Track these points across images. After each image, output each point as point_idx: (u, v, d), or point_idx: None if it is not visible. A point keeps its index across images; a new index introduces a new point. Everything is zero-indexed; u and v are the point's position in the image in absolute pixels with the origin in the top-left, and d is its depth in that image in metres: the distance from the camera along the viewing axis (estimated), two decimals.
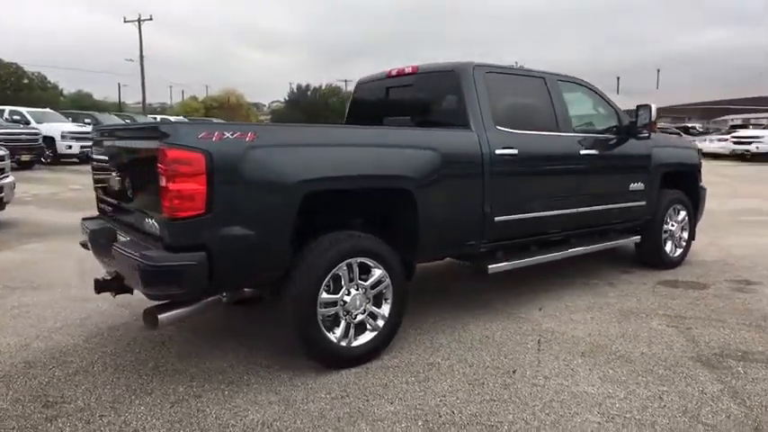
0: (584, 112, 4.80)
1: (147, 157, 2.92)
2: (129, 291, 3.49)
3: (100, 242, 3.51)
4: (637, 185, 5.06)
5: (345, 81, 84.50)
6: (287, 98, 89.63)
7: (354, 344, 3.33)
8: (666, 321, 4.07)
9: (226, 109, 66.15)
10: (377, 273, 3.36)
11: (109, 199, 3.63)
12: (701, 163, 5.97)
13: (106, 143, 3.59)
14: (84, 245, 4.01)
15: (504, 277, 4.77)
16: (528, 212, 4.17)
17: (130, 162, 3.18)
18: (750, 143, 21.50)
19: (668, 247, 5.56)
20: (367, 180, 3.33)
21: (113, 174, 3.34)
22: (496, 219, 3.95)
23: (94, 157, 3.87)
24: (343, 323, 3.27)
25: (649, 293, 4.80)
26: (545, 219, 4.32)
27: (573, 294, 4.76)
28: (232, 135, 2.83)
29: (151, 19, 42.53)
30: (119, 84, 66.39)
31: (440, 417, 2.76)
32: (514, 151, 3.99)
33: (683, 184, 5.64)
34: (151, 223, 2.94)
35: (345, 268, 3.24)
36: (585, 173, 4.61)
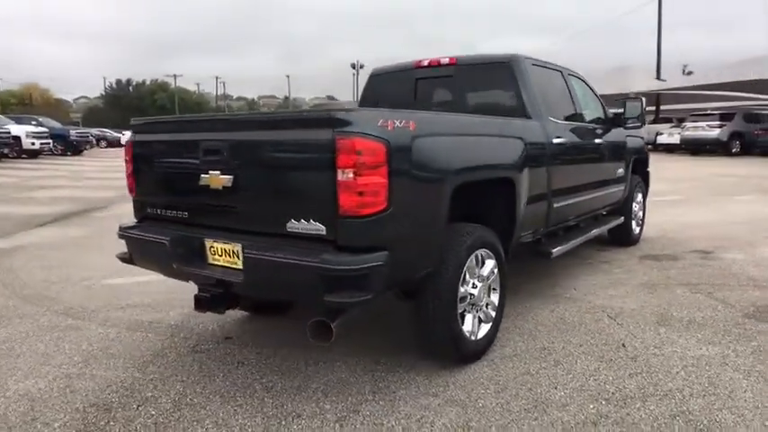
0: (584, 102, 5.24)
1: (304, 149, 2.63)
2: (235, 304, 3.07)
3: (182, 252, 3.05)
4: (620, 171, 5.67)
5: (175, 76, 79.57)
6: (104, 93, 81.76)
7: (479, 336, 3.32)
8: (688, 289, 4.67)
9: (29, 106, 58.13)
10: (489, 264, 3.39)
11: (190, 201, 3.14)
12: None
13: (190, 137, 3.09)
14: (125, 259, 3.42)
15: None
16: (569, 199, 4.48)
17: (265, 156, 2.79)
18: None
19: (633, 225, 6.32)
20: (491, 170, 3.35)
21: (212, 172, 2.89)
22: (554, 205, 4.19)
23: (149, 154, 3.32)
24: (470, 317, 3.25)
25: (645, 267, 5.42)
26: (577, 204, 4.67)
27: (586, 274, 5.20)
28: (400, 123, 2.66)
29: None
30: None
31: (613, 394, 2.90)
32: (564, 140, 4.26)
33: (638, 168, 6.43)
34: (304, 225, 2.63)
35: (473, 261, 3.23)
36: (598, 160, 5.07)
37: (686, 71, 45.49)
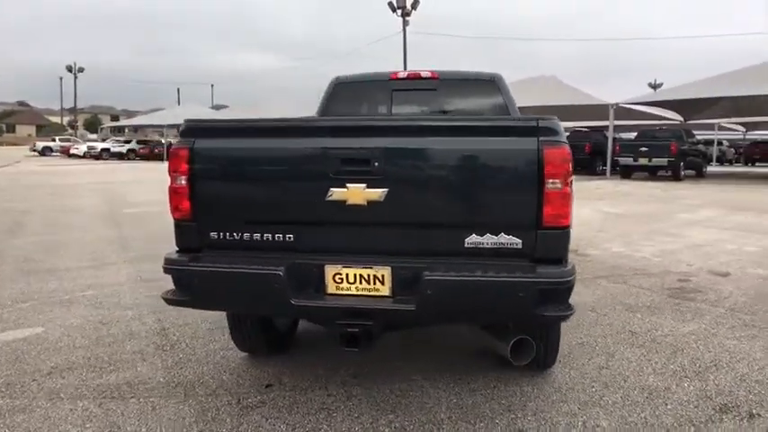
0: None
1: (500, 158, 2.49)
2: (373, 337, 2.63)
3: (298, 283, 2.54)
4: None
5: None
6: None
7: None
8: (605, 281, 5.54)
9: None
10: None
11: (304, 221, 2.59)
12: None
13: (313, 143, 2.57)
14: (178, 300, 2.66)
15: None
16: None
17: (444, 165, 2.51)
18: None
19: None
20: None
21: (352, 185, 2.46)
22: None
23: (228, 165, 2.67)
24: None
25: None
26: None
27: None
28: None
29: None
30: None
31: (685, 372, 3.37)
32: None
33: None
34: (492, 239, 2.46)
35: None
36: None
37: None
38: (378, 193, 2.47)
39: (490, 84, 4.44)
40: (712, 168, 27.10)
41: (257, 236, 2.62)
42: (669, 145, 19.18)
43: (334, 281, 2.58)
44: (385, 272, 2.53)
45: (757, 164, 35.03)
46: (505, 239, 2.48)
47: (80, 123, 70.39)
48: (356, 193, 2.48)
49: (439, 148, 2.52)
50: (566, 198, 2.45)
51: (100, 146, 42.26)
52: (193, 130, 2.68)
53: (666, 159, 19.18)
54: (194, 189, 2.63)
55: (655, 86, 50.66)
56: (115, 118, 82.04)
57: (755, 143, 37.09)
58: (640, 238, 7.97)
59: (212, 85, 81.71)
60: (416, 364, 3.45)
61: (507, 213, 2.49)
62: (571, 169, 2.49)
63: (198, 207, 2.65)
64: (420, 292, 2.41)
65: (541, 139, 2.42)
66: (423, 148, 2.53)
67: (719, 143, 33.57)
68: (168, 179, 2.70)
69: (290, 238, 2.60)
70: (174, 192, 2.68)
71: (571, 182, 2.52)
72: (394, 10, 29.48)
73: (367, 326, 2.51)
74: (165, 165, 2.84)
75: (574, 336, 3.98)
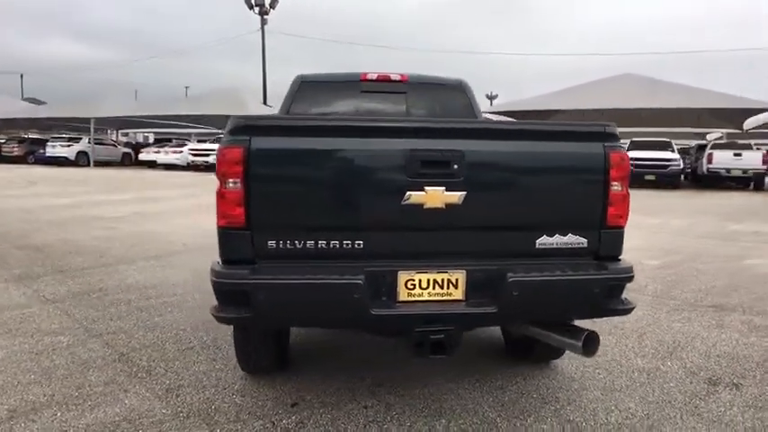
0: None
1: (570, 162, 2.62)
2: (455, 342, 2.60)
3: (374, 292, 2.46)
4: None
5: None
6: None
7: None
8: None
9: None
10: None
11: (375, 226, 2.49)
12: None
13: (387, 145, 2.47)
14: (233, 319, 2.44)
15: None
16: None
17: (518, 169, 2.58)
18: (208, 155, 25.20)
19: None
20: None
21: (430, 188, 2.42)
22: None
23: (292, 168, 2.49)
24: None
25: None
26: None
27: None
28: None
29: None
30: None
31: (661, 352, 3.81)
32: None
33: None
34: (560, 239, 2.60)
35: None
36: None
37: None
38: (456, 197, 2.47)
39: (457, 88, 4.59)
40: None
41: (322, 243, 2.46)
42: None
43: (406, 287, 2.52)
44: (459, 275, 2.54)
45: None
46: (573, 239, 2.62)
47: None
48: (435, 196, 2.46)
49: (516, 151, 2.59)
50: (626, 199, 2.67)
51: None
52: (247, 128, 2.43)
53: None
54: (250, 193, 2.40)
55: (491, 98, 55.27)
56: None
57: None
58: None
59: (22, 76, 70.98)
60: (428, 368, 3.46)
61: (576, 214, 2.64)
62: (629, 173, 2.70)
63: (254, 213, 2.42)
64: (503, 293, 2.47)
65: (606, 144, 2.61)
66: (501, 150, 2.58)
67: None
68: (217, 183, 2.43)
69: (358, 244, 2.49)
70: (222, 197, 2.42)
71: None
72: (251, 7, 28.70)
73: (450, 331, 2.49)
74: None
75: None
